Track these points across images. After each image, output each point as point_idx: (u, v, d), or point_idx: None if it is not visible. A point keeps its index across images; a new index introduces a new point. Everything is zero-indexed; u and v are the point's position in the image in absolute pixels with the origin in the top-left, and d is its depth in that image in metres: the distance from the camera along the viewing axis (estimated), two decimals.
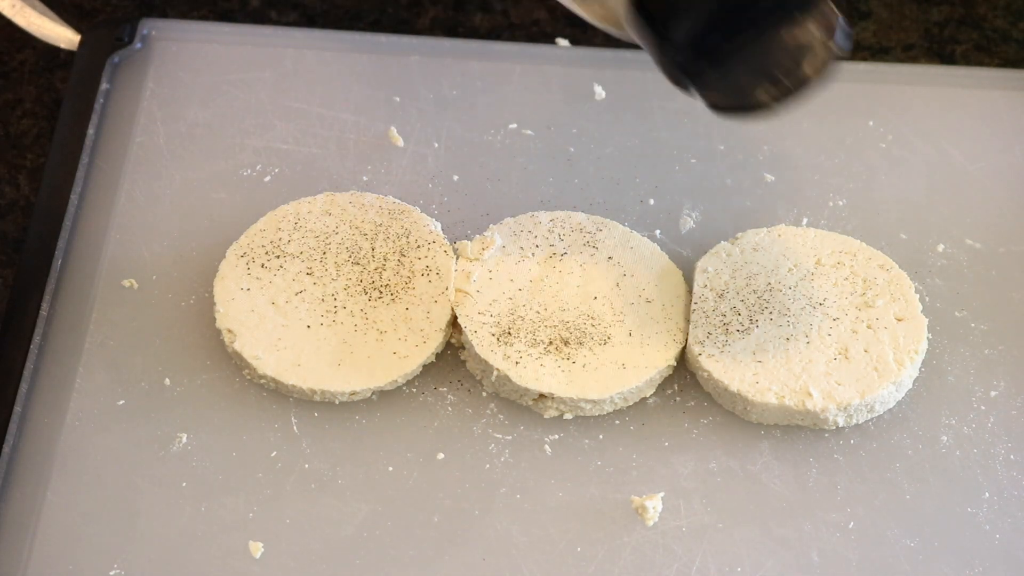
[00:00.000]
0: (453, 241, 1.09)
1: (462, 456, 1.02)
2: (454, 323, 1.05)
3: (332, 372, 1.02)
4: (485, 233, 1.08)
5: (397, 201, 1.10)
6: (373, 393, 1.03)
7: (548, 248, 1.08)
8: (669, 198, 1.13)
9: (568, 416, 1.03)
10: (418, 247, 1.07)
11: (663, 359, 1.04)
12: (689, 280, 1.08)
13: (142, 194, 1.12)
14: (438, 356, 1.05)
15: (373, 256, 1.07)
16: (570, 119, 1.17)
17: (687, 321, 1.05)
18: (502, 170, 1.14)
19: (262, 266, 1.06)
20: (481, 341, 1.04)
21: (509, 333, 1.04)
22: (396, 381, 1.03)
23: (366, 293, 1.05)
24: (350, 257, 1.07)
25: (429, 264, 1.07)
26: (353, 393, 1.02)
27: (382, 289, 1.06)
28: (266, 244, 1.07)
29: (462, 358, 1.06)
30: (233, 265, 1.06)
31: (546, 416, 1.03)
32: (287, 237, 1.07)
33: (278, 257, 1.07)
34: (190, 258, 1.09)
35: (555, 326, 1.04)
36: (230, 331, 1.04)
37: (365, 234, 1.08)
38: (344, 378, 1.02)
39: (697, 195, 1.13)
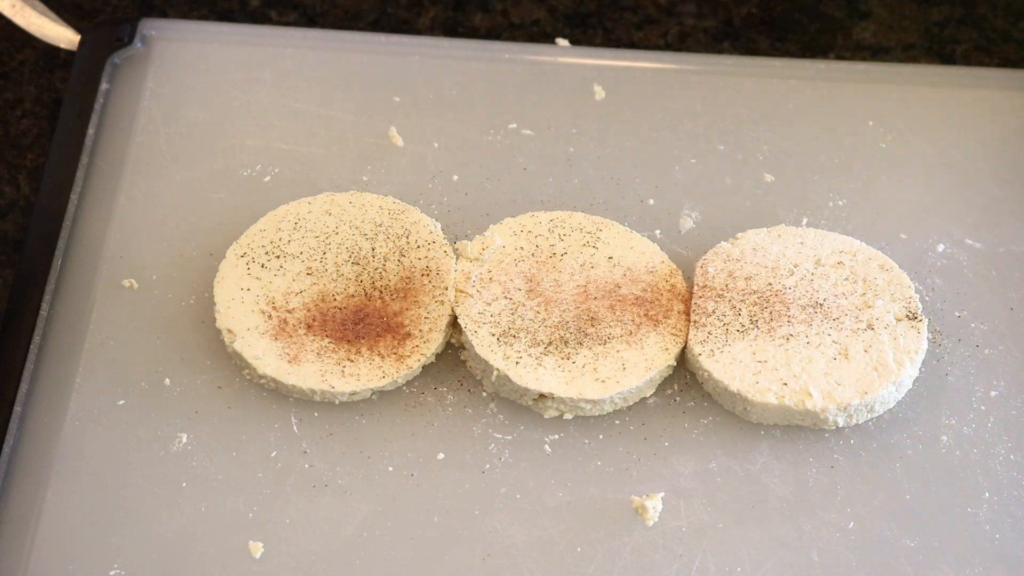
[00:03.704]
0: (453, 241, 1.09)
1: (462, 456, 1.02)
2: (454, 323, 1.05)
3: (332, 372, 1.02)
4: (485, 233, 1.08)
5: (397, 201, 1.10)
6: (373, 393, 1.03)
7: (548, 248, 1.08)
8: (669, 198, 1.13)
9: (568, 416, 1.03)
10: (418, 247, 1.07)
11: (663, 359, 1.04)
12: (689, 280, 1.08)
13: (142, 194, 1.12)
14: (438, 356, 1.05)
15: (373, 256, 1.07)
16: (570, 119, 1.17)
17: (687, 321, 1.05)
18: (502, 170, 1.14)
19: (262, 266, 1.06)
20: (481, 341, 1.04)
21: (509, 333, 1.04)
22: (396, 381, 1.03)
23: (366, 293, 1.05)
24: (350, 257, 1.07)
25: (429, 264, 1.07)
26: (353, 393, 1.02)
27: (382, 289, 1.06)
28: (266, 244, 1.07)
29: (462, 358, 1.06)
30: (233, 265, 1.06)
31: (546, 416, 1.03)
32: (287, 237, 1.07)
33: (278, 257, 1.07)
34: (190, 258, 1.09)
35: (555, 326, 1.04)
36: (230, 331, 1.04)
37: (365, 234, 1.08)
38: (344, 378, 1.02)
39: (697, 195, 1.13)
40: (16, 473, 1.00)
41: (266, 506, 0.99)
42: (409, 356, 1.03)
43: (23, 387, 1.03)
